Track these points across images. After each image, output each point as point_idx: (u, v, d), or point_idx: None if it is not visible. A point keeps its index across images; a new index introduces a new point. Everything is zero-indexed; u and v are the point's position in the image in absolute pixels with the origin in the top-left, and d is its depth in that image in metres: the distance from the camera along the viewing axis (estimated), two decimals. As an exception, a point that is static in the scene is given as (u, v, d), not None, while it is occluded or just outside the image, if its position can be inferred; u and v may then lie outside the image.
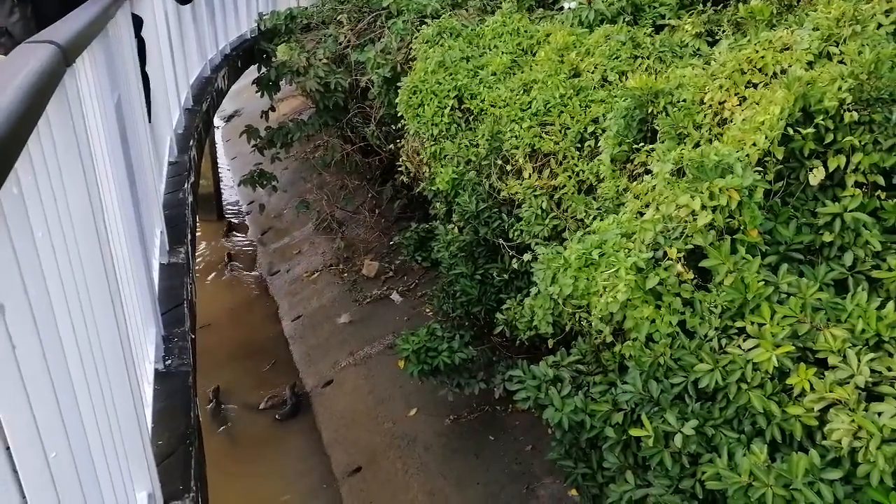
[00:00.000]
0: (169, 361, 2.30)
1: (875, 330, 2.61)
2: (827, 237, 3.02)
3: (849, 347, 2.56)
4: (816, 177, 3.07)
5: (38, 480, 0.89)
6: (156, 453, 1.82)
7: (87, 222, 1.30)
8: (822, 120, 3.05)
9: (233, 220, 11.20)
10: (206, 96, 5.79)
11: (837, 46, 3.43)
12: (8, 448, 0.88)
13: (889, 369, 2.50)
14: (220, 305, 8.55)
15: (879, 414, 2.37)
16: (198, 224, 5.77)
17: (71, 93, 1.32)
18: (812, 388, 2.55)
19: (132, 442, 1.50)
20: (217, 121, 13.46)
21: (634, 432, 2.89)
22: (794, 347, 2.64)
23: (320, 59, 7.63)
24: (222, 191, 11.52)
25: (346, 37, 7.77)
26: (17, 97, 0.86)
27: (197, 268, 8.98)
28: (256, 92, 8.62)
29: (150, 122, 3.23)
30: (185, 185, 3.79)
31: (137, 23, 3.10)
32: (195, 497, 1.80)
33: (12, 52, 1.27)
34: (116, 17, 2.31)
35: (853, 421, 2.38)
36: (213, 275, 9.47)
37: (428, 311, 6.68)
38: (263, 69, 8.64)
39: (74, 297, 1.15)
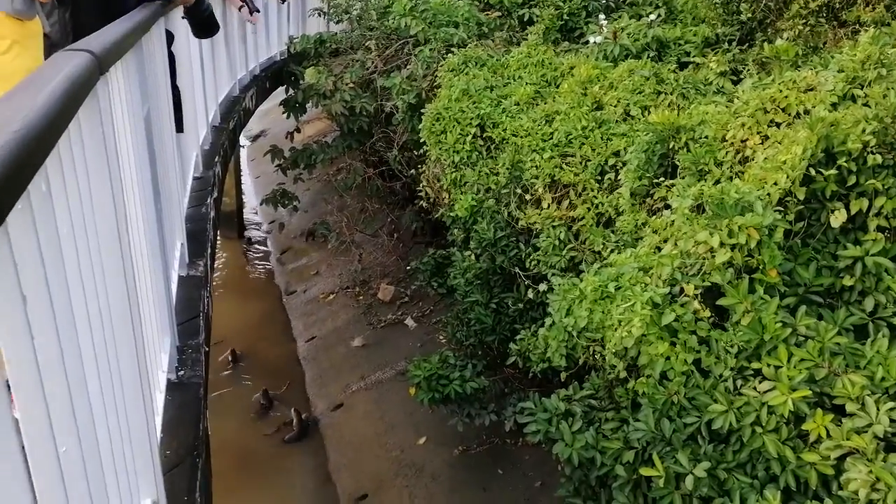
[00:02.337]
0: (182, 372, 2.31)
1: (895, 378, 2.56)
2: (847, 281, 2.98)
3: (867, 395, 2.51)
4: (838, 219, 3.04)
5: (47, 476, 0.90)
6: (163, 462, 1.82)
7: (111, 227, 1.33)
8: (845, 162, 3.03)
9: (252, 239, 11.31)
10: (234, 115, 5.90)
11: (862, 89, 3.42)
12: (22, 445, 0.89)
13: (909, 418, 2.44)
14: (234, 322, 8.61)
15: (898, 464, 2.31)
16: (218, 239, 5.85)
17: (103, 101, 1.36)
18: (829, 436, 2.49)
19: (141, 448, 1.50)
20: (243, 140, 13.68)
21: (645, 472, 2.83)
22: (810, 392, 2.59)
23: (347, 84, 7.75)
24: (244, 209, 11.65)
25: (373, 62, 7.89)
26: (52, 99, 0.89)
27: (215, 283, 9.05)
28: (283, 113, 8.77)
29: (182, 131, 3.30)
30: (209, 200, 3.85)
31: (169, 38, 3.18)
32: (199, 509, 1.80)
33: (51, 57, 1.31)
34: (151, 32, 2.37)
35: (871, 472, 2.32)
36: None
37: (442, 338, 6.65)
38: (291, 91, 8.79)
39: (94, 296, 1.17)
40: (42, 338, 0.88)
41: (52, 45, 2.54)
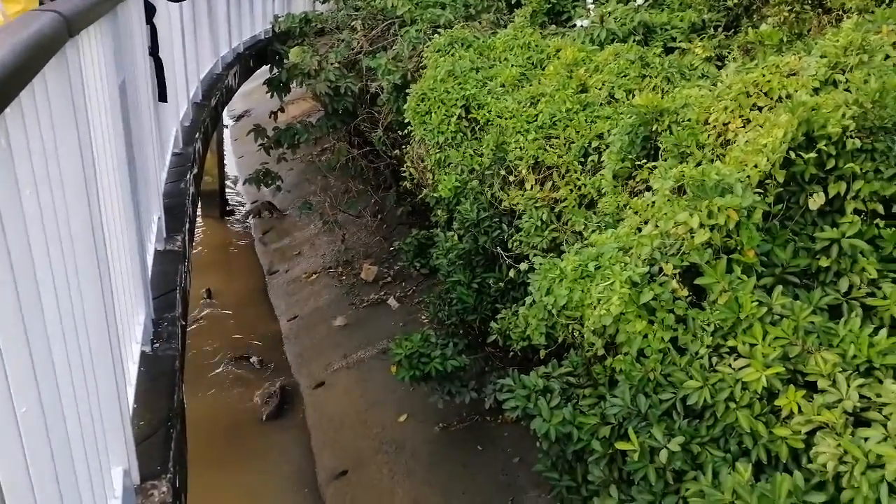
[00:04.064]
0: (157, 345, 2.30)
1: (866, 356, 2.60)
2: (824, 262, 3.01)
3: (839, 372, 2.55)
4: (816, 202, 3.07)
5: (4, 435, 0.89)
6: (136, 433, 1.81)
7: (79, 189, 1.31)
8: (825, 146, 3.05)
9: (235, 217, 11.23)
10: (216, 92, 5.82)
11: (844, 74, 3.45)
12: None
13: (878, 395, 2.49)
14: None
15: (866, 439, 2.35)
16: (198, 217, 5.81)
17: (72, 63, 1.33)
18: (800, 411, 2.53)
19: (111, 416, 1.49)
20: (226, 119, 13.54)
21: (620, 446, 2.87)
22: (784, 369, 2.63)
23: (332, 64, 7.68)
24: (226, 188, 11.55)
25: (359, 43, 7.82)
26: (13, 52, 0.87)
27: (196, 261, 9.01)
28: (267, 93, 8.68)
29: (165, 101, 3.25)
30: (188, 176, 3.81)
31: (150, 10, 3.13)
32: (172, 479, 1.79)
33: (19, 16, 1.29)
34: (127, 2, 2.33)
35: (839, 445, 2.36)
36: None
37: (424, 317, 6.67)
38: (275, 70, 8.69)
39: (59, 259, 1.15)
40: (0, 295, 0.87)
41: None
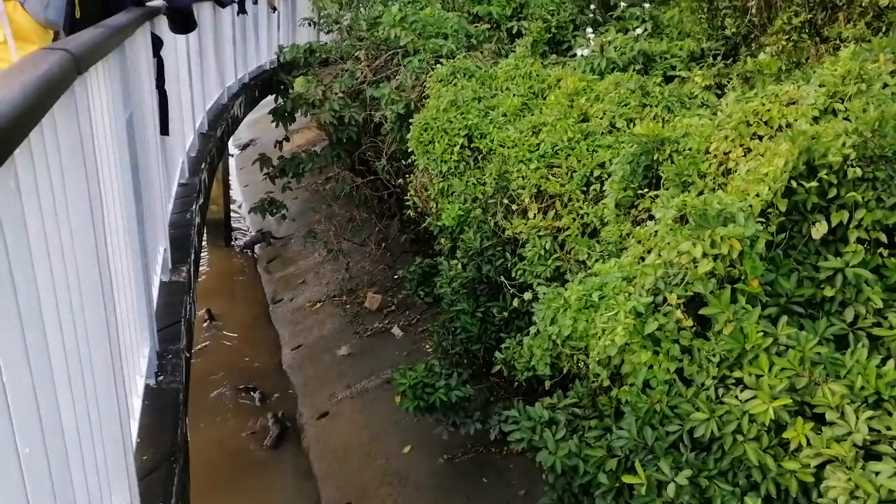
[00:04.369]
0: (161, 377, 2.29)
1: (875, 387, 2.58)
2: (828, 292, 3.00)
3: (847, 404, 2.53)
4: (819, 231, 3.07)
5: (7, 476, 0.88)
6: (139, 468, 1.80)
7: (86, 227, 1.32)
8: (826, 174, 3.06)
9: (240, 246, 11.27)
10: (222, 122, 5.89)
11: (843, 103, 3.47)
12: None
13: (888, 428, 2.46)
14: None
15: (877, 473, 2.32)
16: (204, 247, 5.84)
17: (80, 100, 1.35)
18: (809, 444, 2.51)
19: (114, 451, 1.48)
20: (232, 149, 13.66)
21: (627, 479, 2.83)
22: (791, 401, 2.60)
23: (336, 93, 7.77)
24: (232, 217, 11.61)
25: (362, 72, 7.92)
26: (23, 91, 0.88)
27: (200, 290, 9.02)
28: (272, 122, 8.76)
29: (167, 134, 3.29)
30: (194, 207, 3.83)
31: (157, 44, 3.18)
32: (174, 515, 1.78)
33: (29, 55, 1.31)
34: (135, 37, 2.37)
35: (850, 479, 2.33)
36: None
37: (428, 346, 6.64)
38: (280, 100, 8.79)
39: (65, 295, 1.16)
40: (3, 324, 0.87)
41: None
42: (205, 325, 8.47)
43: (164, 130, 3.26)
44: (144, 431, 2.00)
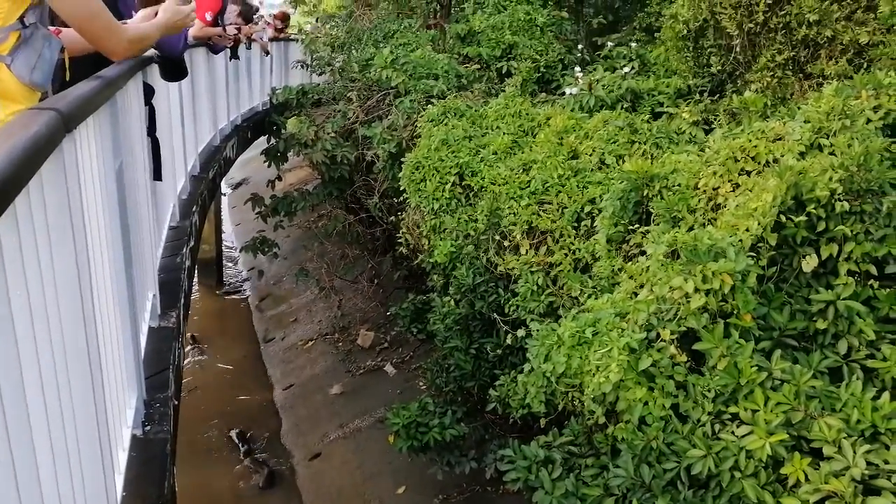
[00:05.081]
0: (148, 427, 2.25)
1: (871, 420, 2.56)
2: (821, 324, 3.01)
3: (844, 438, 2.51)
4: (809, 264, 3.09)
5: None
6: (125, 524, 1.76)
7: (72, 286, 1.31)
8: (814, 209, 3.09)
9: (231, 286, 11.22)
10: (214, 164, 5.91)
11: (828, 139, 3.52)
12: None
13: (886, 462, 2.44)
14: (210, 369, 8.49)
15: (877, 510, 2.29)
16: (195, 287, 5.81)
17: (68, 158, 1.35)
18: (807, 479, 2.48)
19: (98, 510, 1.45)
20: (224, 188, 13.70)
21: (625, 520, 2.79)
22: (787, 436, 2.58)
23: (328, 133, 7.84)
24: (224, 256, 11.59)
25: (354, 113, 8.00)
26: (9, 157, 0.88)
27: (191, 332, 8.96)
28: (265, 162, 8.82)
29: (160, 179, 3.30)
30: (184, 250, 3.82)
31: (149, 91, 3.21)
32: (161, 572, 1.73)
33: (17, 115, 1.32)
34: (127, 87, 2.39)
35: (850, 516, 2.30)
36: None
37: (422, 384, 6.58)
38: (273, 140, 8.87)
39: (48, 359, 1.14)
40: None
41: None
42: (189, 349, 8.43)
43: (158, 176, 3.27)
44: (130, 485, 1.96)
